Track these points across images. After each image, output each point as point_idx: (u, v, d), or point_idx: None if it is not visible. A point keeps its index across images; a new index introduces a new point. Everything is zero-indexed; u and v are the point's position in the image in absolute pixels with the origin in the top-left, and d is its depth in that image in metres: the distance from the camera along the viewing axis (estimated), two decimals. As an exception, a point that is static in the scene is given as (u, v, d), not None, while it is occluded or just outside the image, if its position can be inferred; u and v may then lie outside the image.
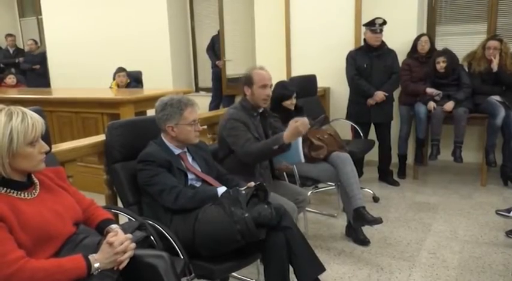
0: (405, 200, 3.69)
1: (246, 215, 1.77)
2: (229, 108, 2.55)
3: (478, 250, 2.73)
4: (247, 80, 2.47)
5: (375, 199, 3.66)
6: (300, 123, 2.19)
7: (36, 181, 1.45)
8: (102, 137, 2.19)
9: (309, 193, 3.13)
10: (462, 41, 4.40)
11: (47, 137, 1.68)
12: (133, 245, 1.41)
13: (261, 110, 2.53)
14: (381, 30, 3.83)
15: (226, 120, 2.40)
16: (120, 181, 2.06)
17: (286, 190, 2.53)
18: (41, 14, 7.50)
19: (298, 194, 2.52)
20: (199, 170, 2.08)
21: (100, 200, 2.14)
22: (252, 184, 1.94)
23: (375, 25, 3.82)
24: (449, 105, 3.84)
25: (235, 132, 2.35)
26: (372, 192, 3.72)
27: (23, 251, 1.27)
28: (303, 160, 2.51)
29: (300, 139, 2.47)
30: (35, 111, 1.61)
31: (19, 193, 1.37)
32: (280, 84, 3.00)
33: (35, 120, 1.37)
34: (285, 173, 2.76)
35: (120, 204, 2.15)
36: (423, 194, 3.82)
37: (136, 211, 2.00)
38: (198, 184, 2.03)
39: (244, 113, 2.43)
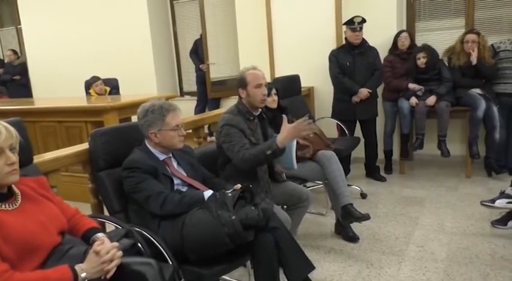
0: (392, 195, 3.73)
1: (233, 217, 1.77)
2: (225, 113, 2.47)
3: (465, 241, 2.77)
4: (240, 82, 2.41)
5: (363, 196, 3.69)
6: (294, 126, 2.15)
7: (17, 191, 1.42)
8: (85, 146, 2.17)
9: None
10: (441, 36, 4.46)
11: (27, 147, 1.66)
12: (120, 253, 1.40)
13: (257, 113, 2.47)
14: (361, 28, 3.87)
15: (222, 126, 2.34)
16: (106, 189, 2.04)
17: (288, 190, 2.51)
18: (20, 24, 7.40)
19: (301, 194, 2.52)
20: (185, 174, 2.08)
21: (86, 209, 2.12)
22: (239, 186, 1.94)
23: (354, 23, 3.86)
24: (431, 99, 3.90)
25: (230, 138, 2.29)
26: (359, 189, 3.75)
27: (7, 264, 1.25)
28: (295, 167, 2.50)
29: (294, 146, 2.46)
30: (14, 122, 1.60)
31: (-1, 204, 1.34)
32: None
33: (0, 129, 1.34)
34: (284, 175, 2.69)
35: (106, 212, 2.13)
36: (410, 189, 3.86)
37: (123, 218, 1.99)
38: (184, 189, 2.03)
39: (241, 118, 2.36)
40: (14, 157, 1.38)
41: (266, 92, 2.43)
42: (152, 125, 1.99)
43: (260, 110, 2.48)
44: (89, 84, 5.24)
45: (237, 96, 2.47)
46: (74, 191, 3.04)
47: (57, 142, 3.95)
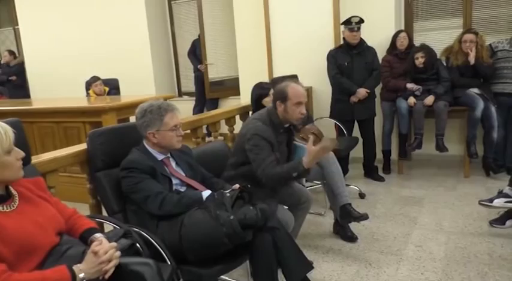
0: (391, 195, 3.73)
1: (232, 217, 1.77)
2: (257, 119, 2.38)
3: (463, 241, 2.78)
4: (280, 95, 2.33)
5: (361, 196, 3.69)
6: (320, 147, 2.13)
7: (14, 192, 1.42)
8: (83, 146, 2.16)
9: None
10: (439, 36, 4.47)
11: (25, 148, 1.66)
12: (118, 253, 1.40)
13: (287, 125, 2.42)
14: (358, 28, 3.87)
15: (252, 134, 2.28)
16: (104, 190, 2.04)
17: (289, 190, 2.49)
18: (17, 24, 7.38)
19: (301, 195, 2.50)
20: (184, 174, 2.07)
21: (85, 210, 2.12)
22: (237, 186, 1.94)
23: (351, 23, 3.86)
24: (429, 99, 3.90)
25: (259, 151, 2.25)
26: (357, 188, 3.75)
27: (5, 265, 1.25)
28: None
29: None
30: (13, 123, 1.59)
31: (-3, 206, 1.34)
32: (256, 85, 3.02)
33: (5, 128, 1.37)
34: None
35: (105, 213, 2.12)
36: (408, 188, 3.87)
37: (121, 218, 1.99)
38: (182, 189, 2.02)
39: (271, 129, 2.32)
40: (22, 151, 1.42)
41: (305, 111, 2.36)
42: (150, 125, 1.99)
43: (288, 124, 2.43)
44: (88, 85, 5.24)
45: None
46: (72, 192, 3.04)
47: (55, 143, 3.94)
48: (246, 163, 2.35)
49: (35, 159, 1.98)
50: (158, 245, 1.76)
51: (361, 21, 3.86)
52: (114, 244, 1.43)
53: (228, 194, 1.88)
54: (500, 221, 2.93)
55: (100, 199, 2.12)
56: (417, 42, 4.32)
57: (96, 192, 2.13)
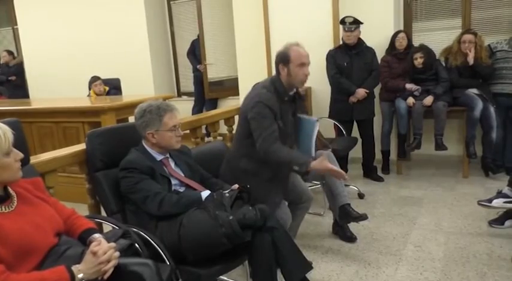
0: (390, 195, 3.74)
1: (231, 217, 1.77)
2: (261, 87, 2.30)
3: (462, 241, 2.78)
4: (283, 58, 2.25)
5: (360, 196, 3.69)
6: (329, 168, 2.14)
7: (13, 193, 1.42)
8: (82, 146, 2.16)
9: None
10: (438, 36, 4.47)
11: (24, 148, 1.66)
12: (117, 253, 1.39)
13: (292, 93, 2.33)
14: (353, 29, 3.85)
15: (256, 102, 2.20)
16: (103, 190, 2.04)
17: (292, 186, 2.48)
18: (16, 24, 7.38)
19: (302, 194, 2.50)
20: (183, 175, 2.07)
21: (83, 210, 2.12)
22: (236, 186, 1.94)
23: (345, 23, 3.87)
24: (428, 99, 3.91)
25: (261, 119, 2.17)
26: (357, 189, 3.75)
27: (3, 265, 1.25)
28: (313, 154, 2.42)
29: (315, 134, 2.39)
30: (12, 123, 1.59)
31: (-4, 207, 1.34)
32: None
33: (4, 130, 1.37)
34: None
35: (103, 213, 2.12)
36: (407, 189, 3.87)
37: (120, 219, 1.98)
38: (181, 189, 2.02)
39: (275, 97, 2.23)
40: (21, 152, 1.42)
41: (309, 72, 2.28)
42: (149, 125, 1.99)
43: (294, 90, 2.35)
44: (90, 84, 5.25)
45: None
46: (71, 192, 3.04)
47: (54, 143, 3.94)
48: (249, 136, 2.26)
49: (33, 159, 1.97)
50: (157, 245, 1.76)
51: (356, 21, 3.85)
52: (113, 244, 1.42)
53: (227, 195, 1.89)
54: (499, 221, 2.94)
55: (99, 199, 2.12)
56: (416, 42, 4.33)
57: (95, 192, 2.13)
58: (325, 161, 2.15)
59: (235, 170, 2.32)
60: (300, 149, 2.47)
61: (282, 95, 2.27)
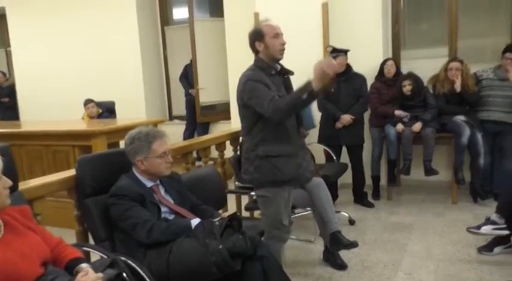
0: (380, 221, 3.74)
1: (221, 246, 1.76)
2: (245, 71, 2.35)
3: (452, 268, 2.78)
4: (256, 35, 2.30)
5: (351, 222, 3.68)
6: (325, 63, 2.07)
7: (0, 222, 1.41)
8: (72, 172, 2.15)
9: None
10: (426, 64, 4.56)
11: (13, 174, 1.65)
12: (104, 284, 1.38)
13: (278, 68, 2.36)
14: (335, 57, 3.84)
15: (244, 82, 2.26)
16: (92, 217, 2.02)
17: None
18: (9, 46, 7.40)
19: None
20: (172, 202, 2.07)
21: (71, 235, 2.09)
22: (226, 214, 1.93)
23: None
24: (417, 126, 3.97)
25: (257, 92, 2.19)
26: (347, 215, 3.75)
27: (-12, 296, 1.23)
28: (314, 122, 2.40)
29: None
30: (2, 149, 1.59)
31: (-18, 236, 1.33)
32: None
33: None
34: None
35: (91, 240, 2.09)
36: (398, 215, 3.88)
37: (108, 247, 1.96)
38: (171, 217, 2.01)
39: (262, 73, 2.27)
40: (10, 180, 1.42)
41: (284, 41, 2.32)
42: (138, 152, 1.99)
43: (279, 67, 2.38)
44: (84, 106, 5.25)
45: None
46: (58, 217, 2.99)
47: (43, 167, 3.90)
48: (254, 124, 2.29)
49: (22, 185, 1.95)
50: (145, 274, 1.74)
51: (336, 50, 3.92)
52: (100, 274, 1.41)
53: (217, 223, 1.88)
54: (488, 248, 2.95)
55: (87, 226, 2.10)
56: (404, 70, 4.41)
57: (84, 219, 2.10)
58: (315, 68, 2.11)
59: (259, 162, 2.31)
60: (304, 123, 2.49)
61: (267, 70, 2.30)
